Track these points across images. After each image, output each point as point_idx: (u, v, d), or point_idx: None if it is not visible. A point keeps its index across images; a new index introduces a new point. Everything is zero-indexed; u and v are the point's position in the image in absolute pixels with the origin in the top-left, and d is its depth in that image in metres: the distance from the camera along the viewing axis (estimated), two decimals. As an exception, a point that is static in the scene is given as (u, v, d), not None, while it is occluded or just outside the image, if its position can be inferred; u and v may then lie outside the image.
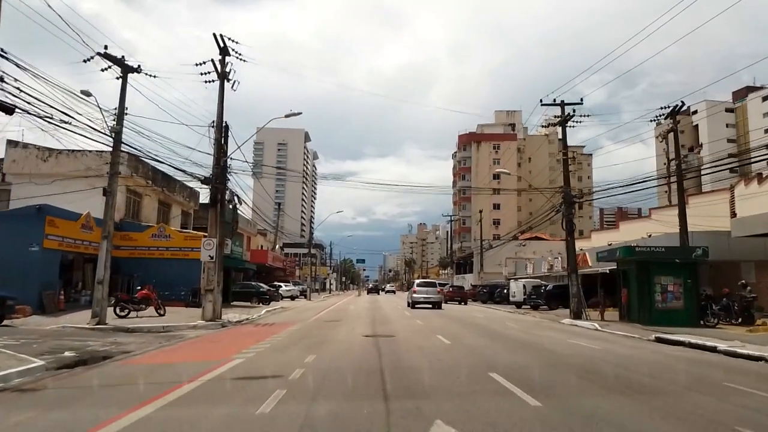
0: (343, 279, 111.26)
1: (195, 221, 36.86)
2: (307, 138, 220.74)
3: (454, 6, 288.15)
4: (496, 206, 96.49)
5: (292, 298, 47.45)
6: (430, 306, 32.35)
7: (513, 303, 36.43)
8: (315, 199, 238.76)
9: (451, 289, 50.53)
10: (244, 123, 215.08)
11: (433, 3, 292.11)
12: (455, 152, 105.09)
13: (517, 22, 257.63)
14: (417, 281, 39.30)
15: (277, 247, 56.80)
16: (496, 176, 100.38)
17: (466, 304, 44.75)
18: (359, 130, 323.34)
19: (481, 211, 58.01)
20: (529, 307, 34.60)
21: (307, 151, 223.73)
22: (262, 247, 58.18)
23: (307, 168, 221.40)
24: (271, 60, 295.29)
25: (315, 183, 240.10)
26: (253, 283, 34.24)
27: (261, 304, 31.86)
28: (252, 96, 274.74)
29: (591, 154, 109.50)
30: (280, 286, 47.80)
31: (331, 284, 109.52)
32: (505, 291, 43.69)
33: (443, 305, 34.33)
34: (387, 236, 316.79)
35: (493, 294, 44.77)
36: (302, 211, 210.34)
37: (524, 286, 35.60)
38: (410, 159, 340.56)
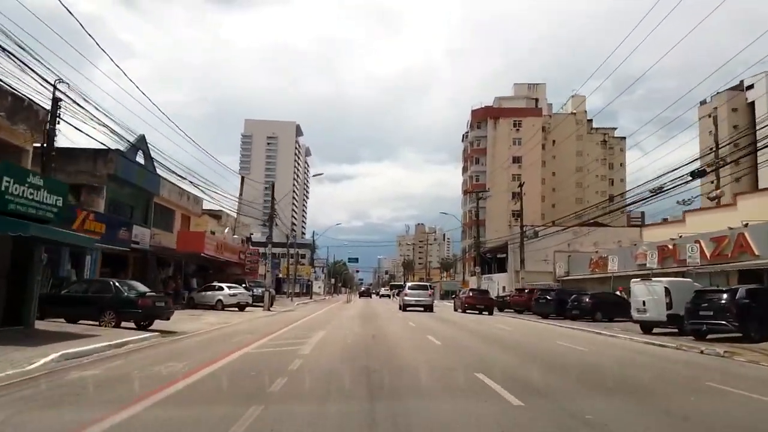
0: (333, 281, 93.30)
1: (36, 164, 18.31)
2: (298, 132, 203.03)
3: (452, 9, 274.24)
4: (514, 196, 78.64)
5: (241, 307, 29.45)
6: (422, 309, 31.60)
7: (639, 321, 18.49)
8: (307, 198, 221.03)
9: (470, 294, 33.93)
10: (238, 124, 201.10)
11: (431, 6, 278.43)
12: (466, 132, 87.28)
13: (516, 26, 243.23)
14: (408, 284, 38.72)
15: (227, 230, 38.91)
16: (517, 159, 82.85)
17: (491, 314, 30.81)
18: (356, 133, 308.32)
19: (521, 184, 40.27)
20: (677, 331, 16.96)
21: (299, 146, 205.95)
22: (213, 233, 40.17)
23: (298, 164, 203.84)
24: (266, 62, 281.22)
25: (307, 181, 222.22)
26: (112, 282, 15.80)
27: (125, 326, 13.93)
28: (247, 98, 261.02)
29: (624, 138, 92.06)
30: (221, 288, 29.82)
31: (319, 287, 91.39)
32: (587, 300, 25.84)
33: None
34: (382, 240, 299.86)
35: (564, 303, 26.84)
36: (293, 209, 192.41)
37: (667, 290, 17.56)
38: (407, 163, 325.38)
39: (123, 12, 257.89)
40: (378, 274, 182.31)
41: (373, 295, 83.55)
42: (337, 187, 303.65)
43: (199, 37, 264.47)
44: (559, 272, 36.03)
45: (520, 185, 39.90)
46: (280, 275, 72.23)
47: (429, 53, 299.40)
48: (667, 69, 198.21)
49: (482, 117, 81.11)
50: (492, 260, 50.88)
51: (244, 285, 36.08)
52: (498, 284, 44.91)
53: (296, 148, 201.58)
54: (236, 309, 29.27)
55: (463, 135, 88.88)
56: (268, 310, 30.31)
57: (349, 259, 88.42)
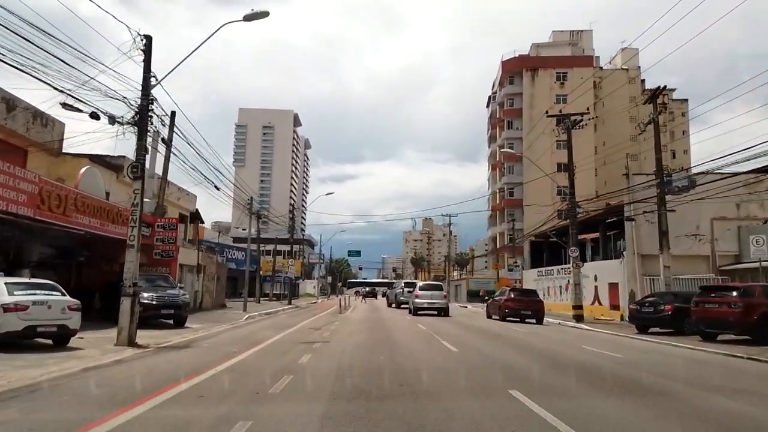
0: (329, 279, 74.68)
1: None
2: (297, 122, 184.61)
3: (453, 6, 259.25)
4: (562, 167, 59.79)
5: (56, 338, 10.88)
6: (435, 312, 26.21)
7: None
8: (307, 192, 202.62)
9: (512, 296, 23.95)
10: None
11: (431, 3, 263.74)
12: (493, 93, 68.40)
13: (517, 23, 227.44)
14: (419, 284, 30.88)
15: (84, 169, 20.01)
16: (561, 120, 63.82)
17: (540, 322, 22.15)
18: (358, 133, 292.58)
19: (657, 93, 21.02)
20: None
21: (297, 137, 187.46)
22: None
23: (297, 156, 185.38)
24: (268, 62, 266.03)
25: (307, 174, 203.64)
26: None
27: None
28: (248, 98, 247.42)
29: (686, 100, 73.20)
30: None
31: (314, 287, 72.60)
32: None
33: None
34: (386, 239, 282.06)
35: None
36: (291, 203, 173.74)
37: None
38: (409, 162, 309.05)
39: (124, 12, 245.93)
40: (383, 272, 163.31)
41: (378, 296, 65.04)
42: (341, 187, 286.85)
43: (200, 37, 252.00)
44: (756, 253, 17.24)
45: (655, 95, 21.05)
46: (261, 272, 53.96)
47: (430, 51, 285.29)
48: (665, 63, 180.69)
49: (516, 69, 62.11)
50: (565, 246, 32.21)
51: (133, 283, 17.46)
52: (596, 280, 26.05)
53: (294, 138, 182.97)
54: (45, 341, 10.66)
55: (489, 97, 69.90)
56: (131, 346, 11.57)
57: (349, 252, 69.67)
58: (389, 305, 37.55)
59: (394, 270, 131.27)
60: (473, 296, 56.69)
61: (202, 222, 36.59)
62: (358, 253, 68.18)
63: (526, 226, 58.97)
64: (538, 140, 58.15)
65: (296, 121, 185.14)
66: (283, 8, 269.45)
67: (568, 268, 29.85)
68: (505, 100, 62.94)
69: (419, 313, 25.91)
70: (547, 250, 35.90)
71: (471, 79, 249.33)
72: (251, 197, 25.14)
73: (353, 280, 77.54)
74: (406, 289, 34.18)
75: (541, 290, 33.73)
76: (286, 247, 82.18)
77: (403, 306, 34.03)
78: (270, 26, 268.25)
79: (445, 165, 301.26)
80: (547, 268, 32.54)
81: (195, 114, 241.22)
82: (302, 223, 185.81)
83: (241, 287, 56.17)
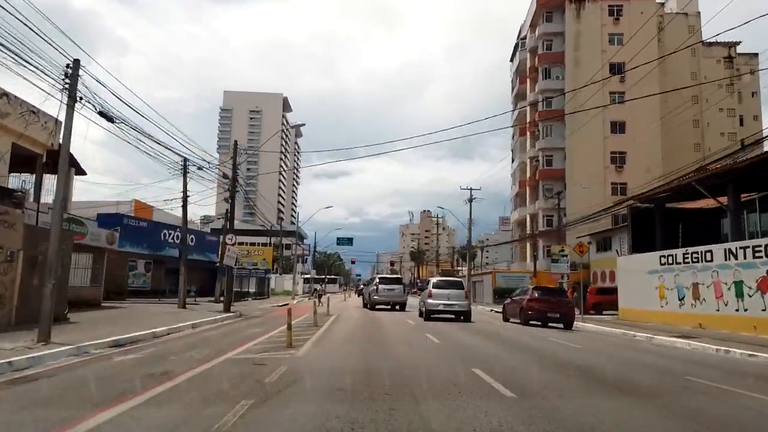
0: (314, 273, 59.86)
1: None
2: (286, 107, 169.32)
3: (449, 3, 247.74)
4: (618, 127, 45.11)
5: None
6: (453, 317, 21.37)
7: None
8: (297, 183, 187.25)
9: (536, 296, 19.82)
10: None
11: (427, 1, 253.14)
12: (521, 39, 53.41)
13: (513, 19, 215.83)
14: (434, 280, 24.01)
15: None
16: (616, 68, 48.70)
17: (569, 327, 18.98)
18: (353, 129, 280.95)
19: None
20: None
21: (287, 123, 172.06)
22: None
23: (286, 142, 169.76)
24: (263, 58, 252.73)
25: (298, 164, 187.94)
26: None
27: None
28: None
29: (756, 54, 58.63)
30: None
31: (296, 284, 57.50)
32: None
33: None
34: (380, 236, 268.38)
35: None
36: (280, 194, 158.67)
37: None
38: (404, 159, 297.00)
39: (119, 7, 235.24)
40: (377, 269, 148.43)
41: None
42: (335, 183, 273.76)
43: (195, 33, 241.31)
44: None
45: None
46: (218, 263, 38.95)
47: (427, 49, 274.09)
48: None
49: (555, 1, 47.18)
50: (724, 210, 17.33)
51: None
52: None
53: (283, 124, 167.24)
54: None
55: (515, 45, 54.85)
56: None
57: (338, 239, 54.71)
58: (364, 305, 30.90)
59: (392, 264, 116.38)
60: (502, 296, 42.01)
61: (81, 172, 21.43)
62: (349, 241, 53.53)
63: (570, 203, 44.15)
64: (587, 94, 43.28)
65: (286, 106, 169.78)
66: (281, 6, 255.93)
67: (762, 245, 14.77)
68: (541, 43, 47.94)
69: (433, 316, 21.28)
70: (660, 223, 20.95)
71: (467, 76, 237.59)
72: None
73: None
74: (381, 287, 27.64)
75: (669, 290, 18.75)
76: (275, 240, 67.33)
77: (378, 306, 27.20)
78: (266, 24, 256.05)
79: (439, 162, 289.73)
80: (693, 249, 17.38)
81: (190, 110, 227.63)
82: (293, 215, 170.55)
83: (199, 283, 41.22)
